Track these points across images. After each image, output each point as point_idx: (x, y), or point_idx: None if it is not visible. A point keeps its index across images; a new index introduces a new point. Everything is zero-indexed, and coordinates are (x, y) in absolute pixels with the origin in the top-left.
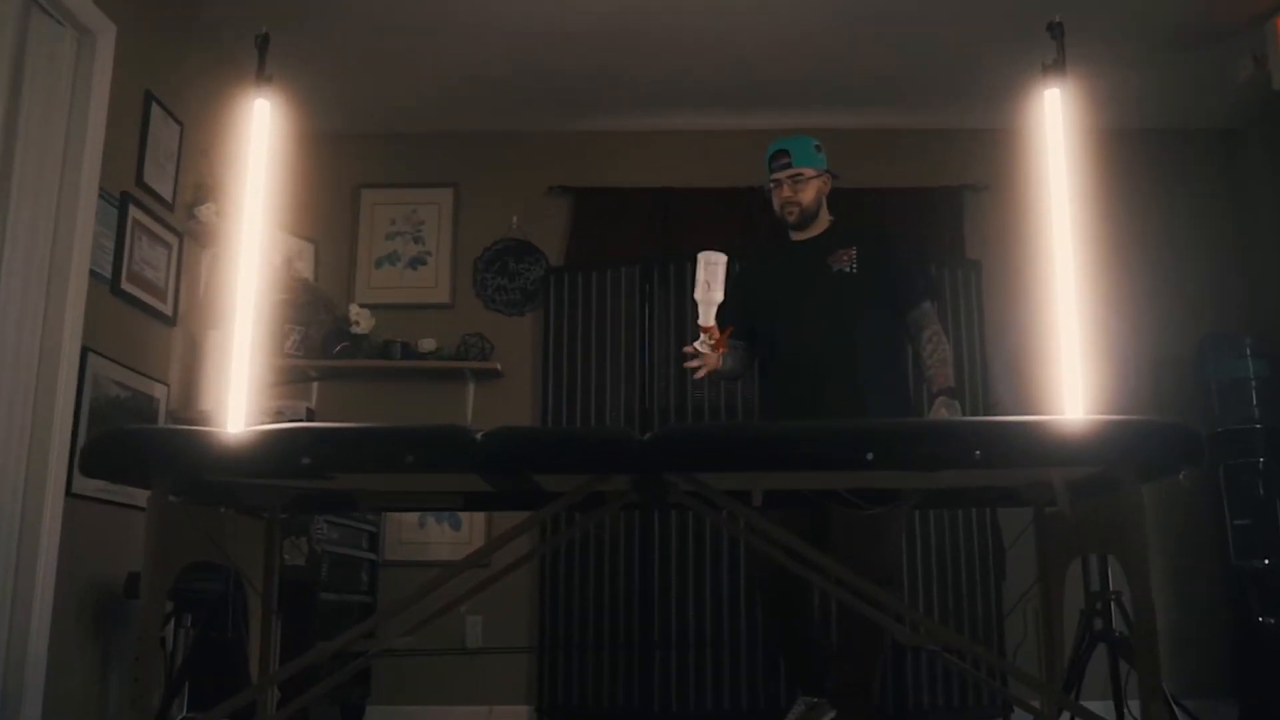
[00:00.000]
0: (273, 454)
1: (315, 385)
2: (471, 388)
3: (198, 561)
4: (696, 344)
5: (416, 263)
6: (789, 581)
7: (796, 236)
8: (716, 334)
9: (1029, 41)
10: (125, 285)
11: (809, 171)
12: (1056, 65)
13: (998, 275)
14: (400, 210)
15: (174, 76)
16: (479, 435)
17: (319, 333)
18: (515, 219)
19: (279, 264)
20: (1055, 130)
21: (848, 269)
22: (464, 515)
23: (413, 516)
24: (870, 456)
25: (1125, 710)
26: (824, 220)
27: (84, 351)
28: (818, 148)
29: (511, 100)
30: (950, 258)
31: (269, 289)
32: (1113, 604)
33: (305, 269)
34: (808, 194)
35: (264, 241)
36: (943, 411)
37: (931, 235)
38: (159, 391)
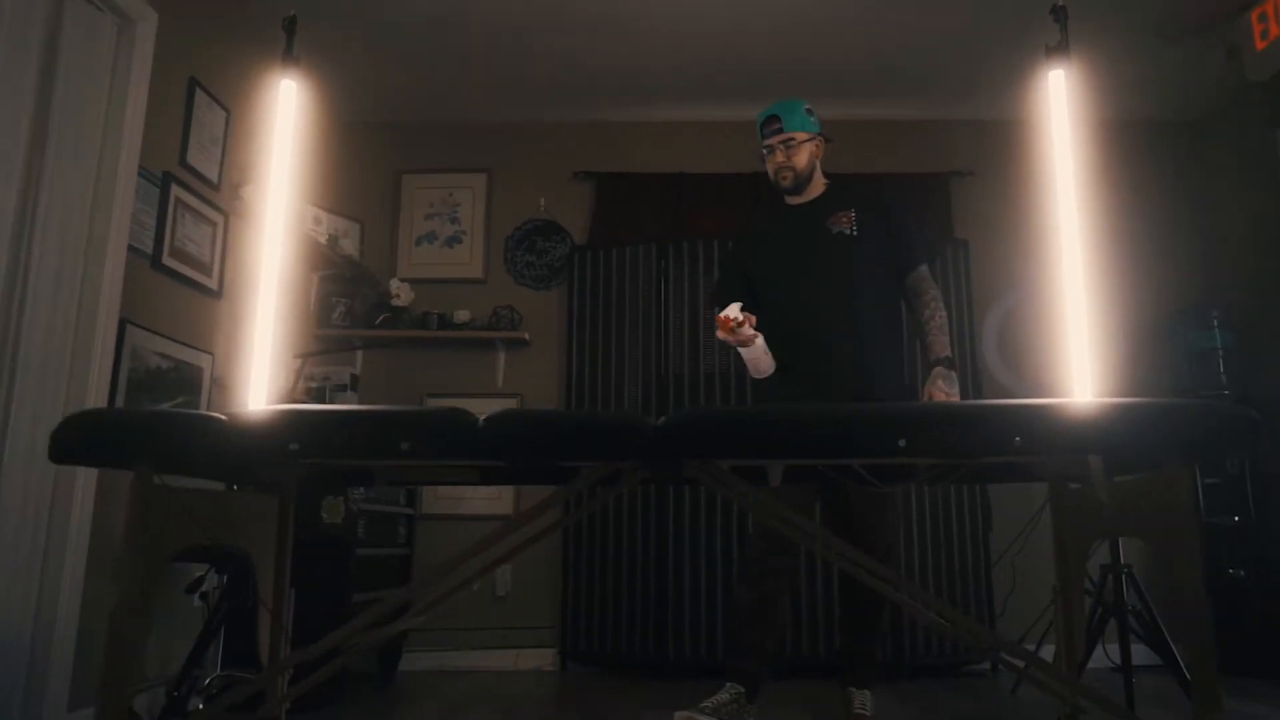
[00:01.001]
0: (259, 439)
1: (360, 354)
2: (502, 355)
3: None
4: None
5: (453, 241)
6: (778, 563)
7: (792, 201)
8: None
9: (1016, 34)
10: (167, 260)
11: (801, 135)
12: (1060, 48)
13: (985, 253)
14: (438, 193)
15: (219, 64)
16: (481, 420)
17: (363, 305)
18: (542, 201)
19: (325, 241)
20: (1060, 112)
21: (848, 231)
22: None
23: None
24: (902, 444)
25: (1133, 681)
26: (819, 184)
27: (122, 323)
28: (809, 111)
29: (540, 92)
30: (940, 236)
31: (307, 263)
32: (1123, 578)
33: (352, 246)
34: (801, 158)
35: (290, 219)
36: (940, 383)
37: (919, 217)
38: (204, 361)
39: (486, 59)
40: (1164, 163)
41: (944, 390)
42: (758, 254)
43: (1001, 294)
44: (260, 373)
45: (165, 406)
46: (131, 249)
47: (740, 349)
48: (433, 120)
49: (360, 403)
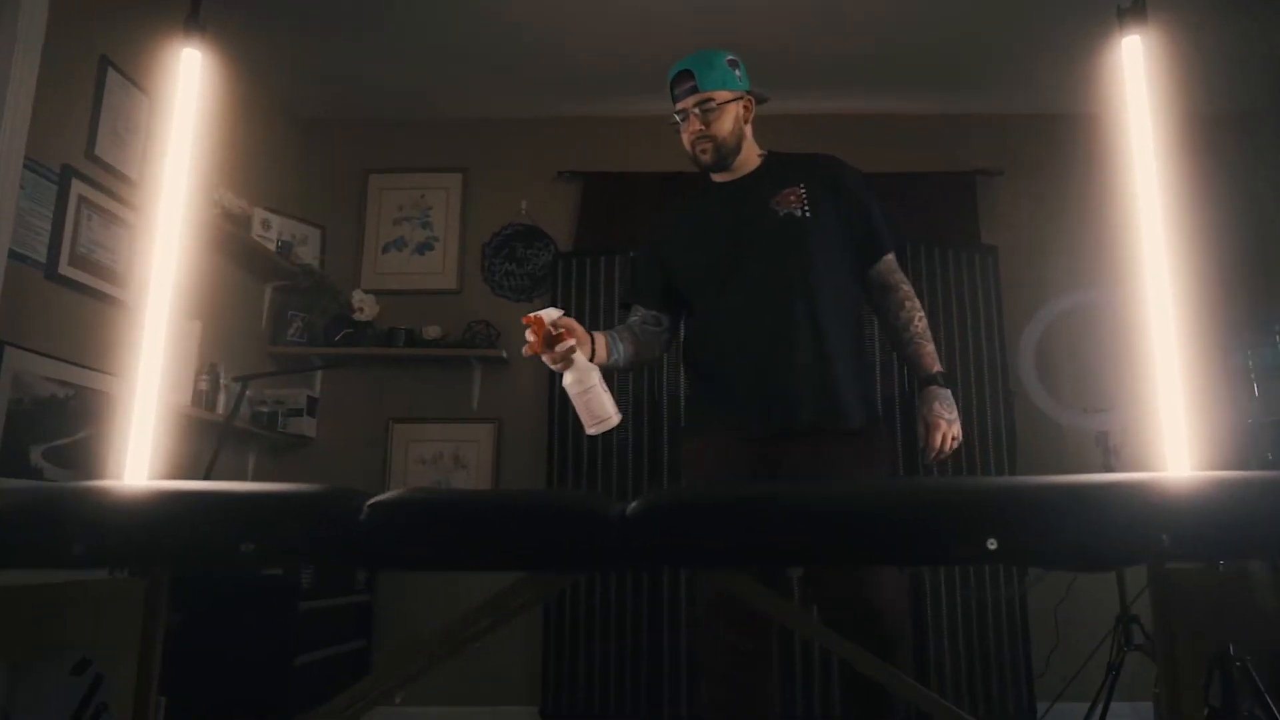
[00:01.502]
0: (32, 535)
1: (319, 374)
2: (478, 375)
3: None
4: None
5: (424, 248)
6: (752, 649)
7: (721, 178)
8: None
9: (1051, 14)
10: (66, 269)
11: (722, 95)
12: (1135, 8)
13: (1015, 262)
14: (408, 195)
15: (138, 41)
16: (365, 508)
17: (322, 320)
18: (523, 204)
19: (275, 248)
20: (1137, 88)
21: (799, 212)
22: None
23: None
24: (993, 545)
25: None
26: (752, 156)
27: None
28: (732, 63)
29: (520, 85)
30: (965, 242)
31: (255, 272)
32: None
33: (311, 254)
34: (723, 124)
35: (194, 212)
36: (939, 408)
37: (943, 220)
38: (113, 386)
39: (462, 48)
40: (1219, 154)
41: (945, 418)
42: (679, 244)
43: (1038, 307)
44: (145, 411)
45: (60, 442)
46: (16, 257)
47: (564, 377)
48: (402, 115)
49: (319, 429)
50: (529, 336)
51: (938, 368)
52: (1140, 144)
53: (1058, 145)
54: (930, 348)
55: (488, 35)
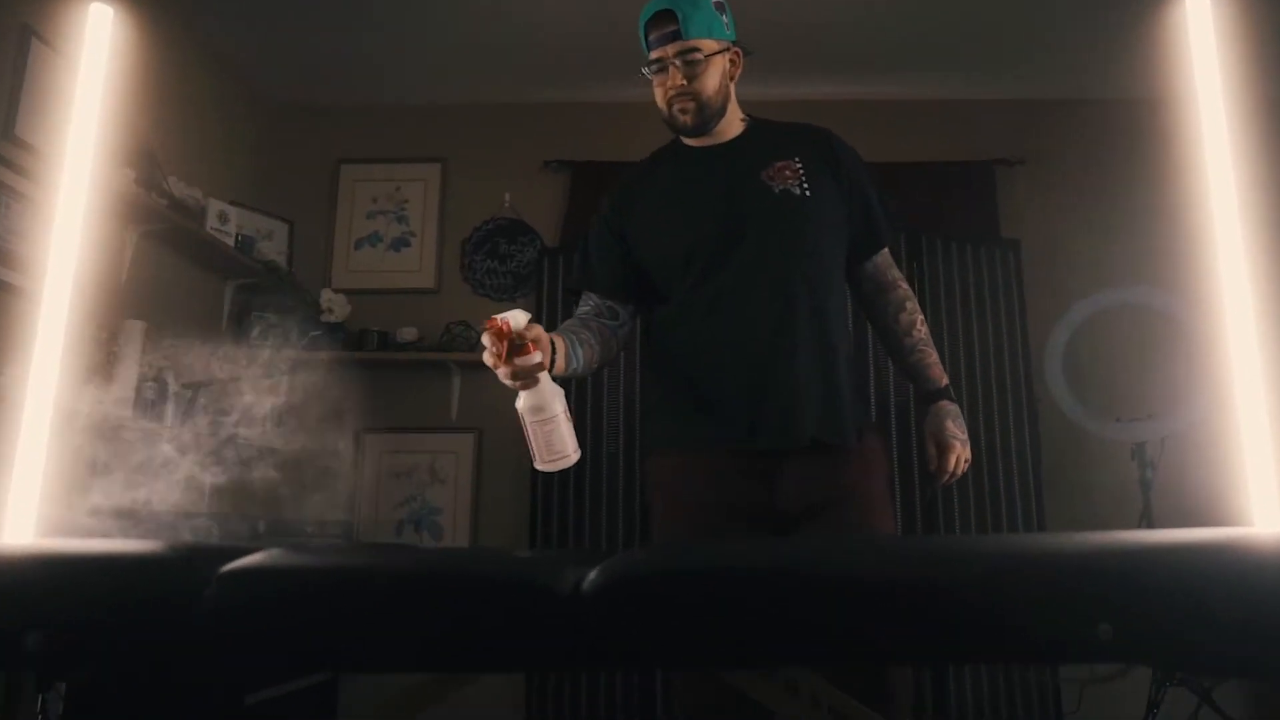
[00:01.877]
0: None
1: (284, 380)
2: (457, 382)
3: None
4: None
5: (399, 244)
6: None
7: (697, 143)
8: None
9: None
10: None
11: (709, 44)
12: None
13: (1039, 256)
14: (382, 187)
15: (69, 10)
16: (214, 582)
17: (288, 321)
18: (507, 196)
19: (233, 244)
20: (1205, 49)
21: (796, 188)
22: (447, 523)
23: (388, 526)
24: (1106, 631)
25: None
26: (735, 118)
27: None
28: (719, 6)
29: (504, 67)
30: (984, 237)
31: (212, 268)
32: None
33: (278, 250)
34: (709, 79)
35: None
36: (952, 427)
37: (959, 213)
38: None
39: (442, 27)
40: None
41: (960, 439)
42: (649, 219)
43: (1064, 307)
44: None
45: None
46: None
47: (520, 399)
48: (376, 100)
49: (285, 438)
50: (487, 343)
51: (945, 380)
52: (1211, 127)
53: (1083, 132)
54: (935, 356)
55: (469, 13)
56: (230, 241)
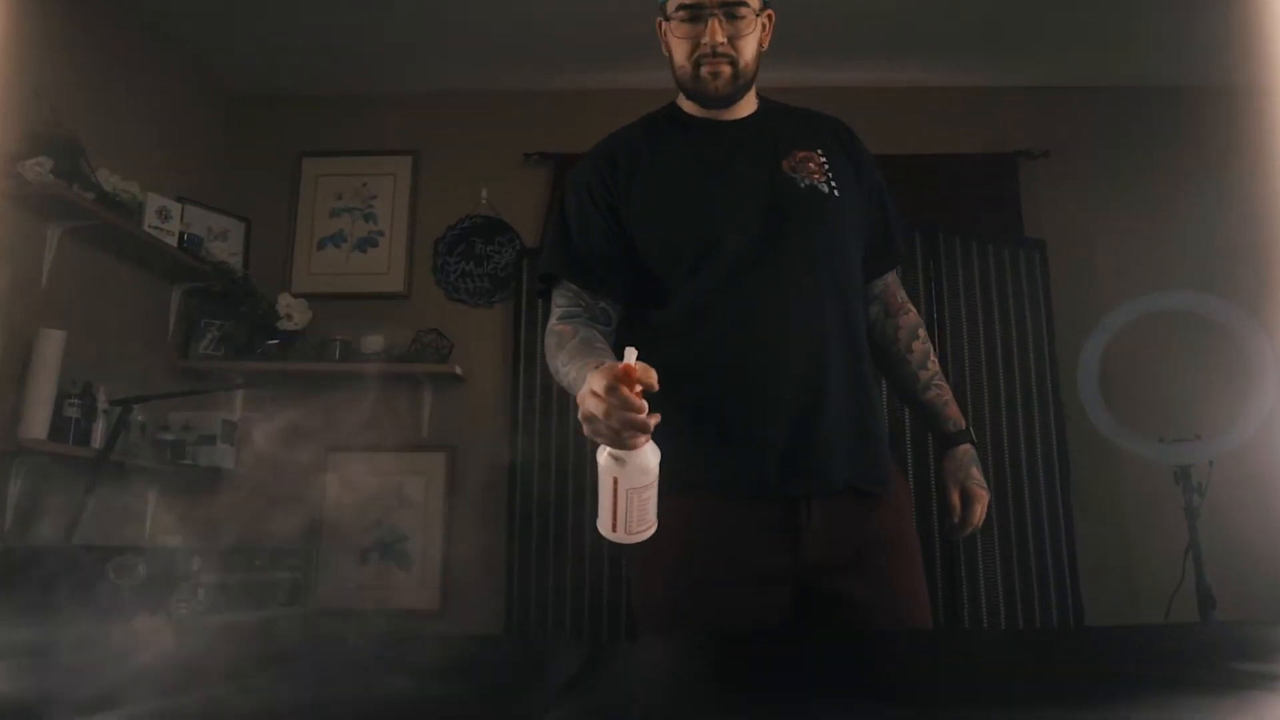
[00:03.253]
0: None
1: (239, 394)
2: (428, 396)
3: None
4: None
5: (366, 244)
6: None
7: (702, 113)
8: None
9: None
10: None
11: (754, 3)
12: None
13: (1067, 258)
14: (348, 183)
15: None
16: None
17: (243, 329)
18: (484, 192)
19: (175, 243)
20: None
21: (825, 186)
22: (414, 552)
23: (351, 554)
24: None
25: None
26: (751, 95)
27: None
28: None
29: (480, 53)
30: (1006, 235)
31: (157, 271)
32: None
33: (233, 251)
34: (750, 42)
35: None
36: (978, 476)
37: (979, 209)
38: None
39: (412, 9)
40: None
41: (984, 487)
42: (656, 203)
43: (1095, 313)
44: None
45: None
46: None
47: (618, 462)
48: (341, 89)
49: (239, 460)
50: (630, 397)
51: (964, 420)
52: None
53: (1114, 121)
54: (950, 392)
55: None
56: (173, 241)
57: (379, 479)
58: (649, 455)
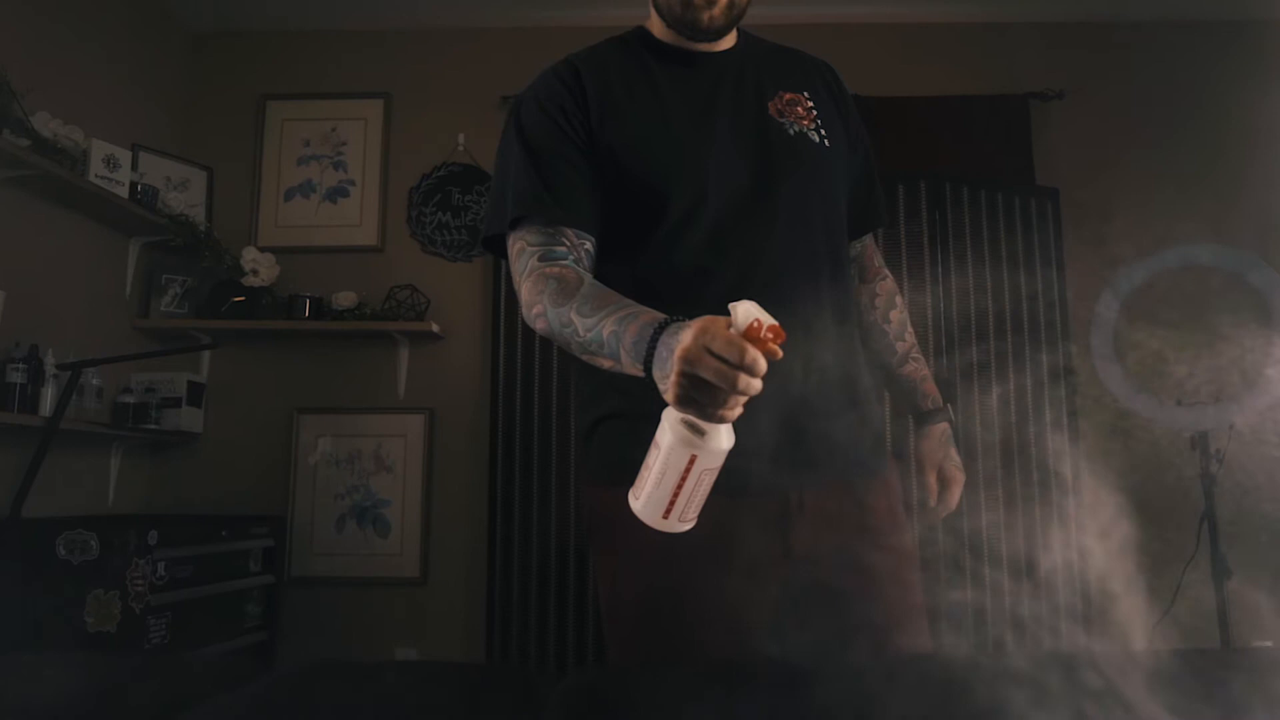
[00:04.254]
0: None
1: (205, 355)
2: (404, 355)
3: None
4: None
5: (336, 194)
6: None
7: (677, 42)
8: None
9: None
10: None
11: None
12: None
13: (1081, 207)
14: (316, 128)
15: None
16: None
17: (207, 285)
18: (461, 138)
19: (126, 193)
20: None
21: (814, 134)
22: (394, 518)
23: (327, 520)
24: None
25: None
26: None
27: None
28: None
29: None
30: (1016, 183)
31: (112, 223)
32: None
33: (195, 202)
34: None
35: None
36: (956, 457)
37: (988, 156)
38: None
39: None
40: None
41: (961, 470)
42: (643, 138)
43: (1111, 267)
44: None
45: None
46: None
47: (698, 437)
48: (308, 26)
49: (207, 422)
50: (761, 359)
51: (943, 398)
52: None
53: (1133, 60)
54: (927, 368)
55: None
56: (123, 192)
57: (354, 442)
58: (730, 432)
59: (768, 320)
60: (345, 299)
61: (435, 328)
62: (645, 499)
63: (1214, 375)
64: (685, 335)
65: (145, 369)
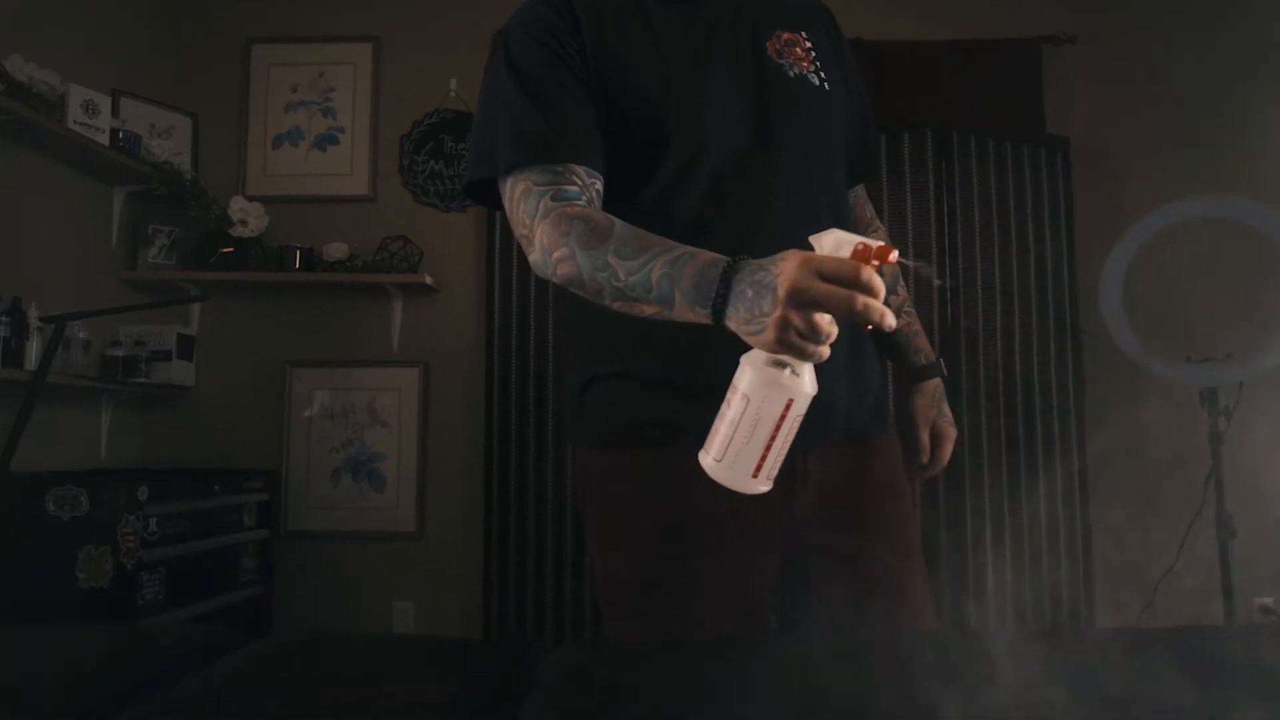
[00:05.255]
0: None
1: (195, 307)
2: (398, 307)
3: None
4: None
5: (325, 142)
6: None
7: None
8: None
9: None
10: None
11: None
12: None
13: (1093, 157)
14: (304, 73)
15: None
16: None
17: (194, 236)
18: (453, 83)
19: (108, 140)
20: None
21: (814, 77)
22: (389, 472)
23: (323, 474)
24: None
25: None
26: None
27: None
28: None
29: None
30: (1026, 132)
31: (94, 172)
32: None
33: (177, 150)
34: None
35: None
36: (946, 409)
37: (996, 103)
38: None
39: None
40: None
41: (954, 427)
42: (641, 74)
43: (1124, 220)
44: None
45: None
46: None
47: (792, 378)
48: None
49: (199, 375)
50: (878, 282)
51: (935, 353)
52: None
53: (1150, 2)
54: (919, 323)
55: None
56: (103, 139)
57: (348, 396)
58: (814, 372)
59: (874, 242)
60: (336, 250)
61: (429, 280)
62: (732, 456)
63: (1226, 331)
64: (785, 267)
65: (134, 321)
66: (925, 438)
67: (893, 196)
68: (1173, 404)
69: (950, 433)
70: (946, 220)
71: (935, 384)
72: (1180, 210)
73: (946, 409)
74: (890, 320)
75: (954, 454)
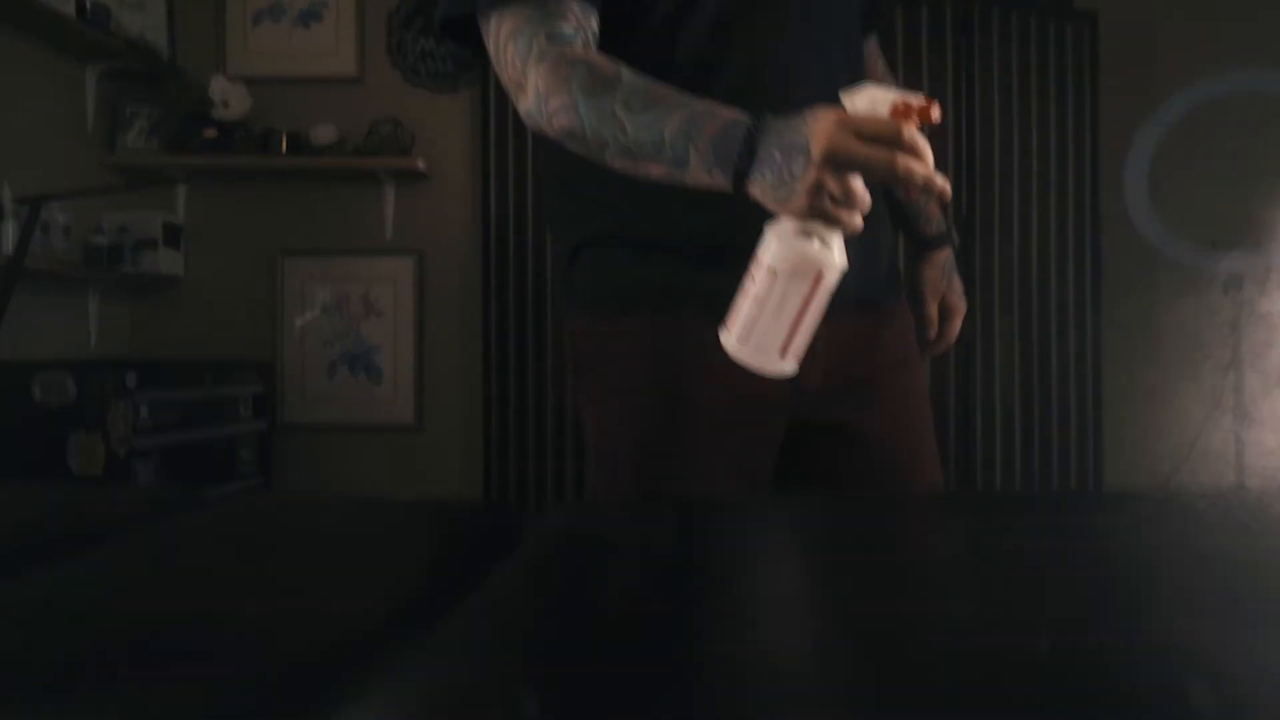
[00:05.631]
0: None
1: (181, 190)
2: (390, 194)
3: None
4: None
5: (309, 17)
6: None
7: None
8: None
9: None
10: None
11: None
12: None
13: (1122, 34)
14: None
15: None
16: None
17: (175, 117)
18: None
19: (74, 12)
20: None
21: None
22: (386, 364)
23: (318, 367)
24: None
25: None
26: None
27: None
28: None
29: None
30: (1049, 6)
31: (58, 46)
32: None
33: (152, 24)
34: None
35: None
36: (958, 285)
37: None
38: None
39: None
40: None
41: (964, 300)
42: None
43: (1155, 100)
44: None
45: None
46: None
47: (825, 250)
48: None
49: (188, 265)
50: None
51: (947, 222)
52: None
53: None
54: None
55: None
56: (69, 10)
57: (341, 286)
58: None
59: (915, 98)
60: (323, 134)
61: (421, 165)
62: (759, 335)
63: (1254, 218)
64: (820, 126)
65: (117, 208)
66: (934, 311)
67: (909, 74)
68: (1196, 290)
69: (960, 307)
70: (965, 98)
71: (946, 254)
72: (1216, 87)
73: (957, 281)
74: (942, 184)
75: (966, 338)
